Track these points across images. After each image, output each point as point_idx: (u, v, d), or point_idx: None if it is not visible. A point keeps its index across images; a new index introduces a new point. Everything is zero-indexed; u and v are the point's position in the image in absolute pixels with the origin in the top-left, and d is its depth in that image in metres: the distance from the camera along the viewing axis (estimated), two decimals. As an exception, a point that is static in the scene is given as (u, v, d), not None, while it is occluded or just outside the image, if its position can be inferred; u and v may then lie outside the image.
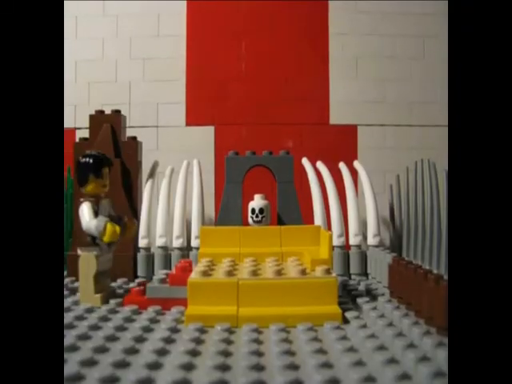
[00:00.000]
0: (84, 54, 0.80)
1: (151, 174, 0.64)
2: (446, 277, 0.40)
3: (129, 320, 0.40)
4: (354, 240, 0.59)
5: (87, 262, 0.46)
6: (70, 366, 0.29)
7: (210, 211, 0.76)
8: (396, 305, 0.42)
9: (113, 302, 0.45)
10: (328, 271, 0.42)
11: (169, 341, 0.34)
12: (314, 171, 0.64)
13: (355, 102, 0.80)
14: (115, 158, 0.61)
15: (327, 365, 0.29)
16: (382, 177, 0.72)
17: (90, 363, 0.30)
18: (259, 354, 0.32)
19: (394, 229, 0.60)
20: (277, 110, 0.79)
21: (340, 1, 0.80)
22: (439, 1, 0.77)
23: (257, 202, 0.54)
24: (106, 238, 0.44)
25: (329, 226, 0.59)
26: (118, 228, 0.44)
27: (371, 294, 0.48)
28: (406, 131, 0.80)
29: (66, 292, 0.49)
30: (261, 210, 0.53)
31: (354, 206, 0.61)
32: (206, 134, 0.79)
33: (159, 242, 0.59)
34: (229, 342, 0.34)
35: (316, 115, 0.80)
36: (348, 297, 0.48)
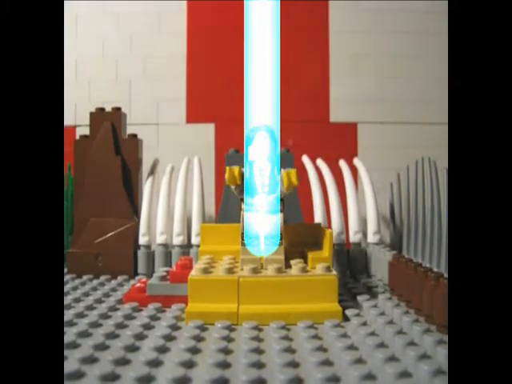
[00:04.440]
0: (84, 52, 0.80)
1: (151, 172, 0.64)
2: (446, 275, 0.40)
3: (129, 317, 0.40)
4: (354, 238, 0.59)
5: None
6: (71, 363, 0.29)
7: (211, 209, 0.76)
8: (396, 302, 0.42)
9: (113, 299, 0.45)
10: (328, 269, 0.42)
11: (169, 338, 0.34)
12: (314, 169, 0.64)
13: (355, 100, 0.80)
14: (116, 156, 0.61)
15: (327, 362, 0.29)
16: (382, 174, 0.72)
17: (91, 360, 0.30)
18: (259, 351, 0.32)
19: (394, 227, 0.60)
20: (277, 107, 0.79)
21: (340, 0, 0.80)
22: (439, 0, 0.77)
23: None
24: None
25: (329, 224, 0.59)
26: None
27: (371, 292, 0.48)
28: (407, 129, 0.80)
29: (66, 289, 0.49)
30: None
31: (354, 203, 0.61)
32: (206, 132, 0.79)
33: (159, 239, 0.59)
34: (229, 339, 0.34)
35: (316, 113, 0.80)
36: (348, 294, 0.48)
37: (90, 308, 0.42)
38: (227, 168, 0.44)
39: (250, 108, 0.45)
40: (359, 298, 0.44)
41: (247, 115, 0.44)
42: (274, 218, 0.43)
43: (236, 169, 0.44)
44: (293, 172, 0.43)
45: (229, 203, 0.57)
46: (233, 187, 0.45)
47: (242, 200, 0.44)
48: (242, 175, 0.44)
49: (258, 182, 0.44)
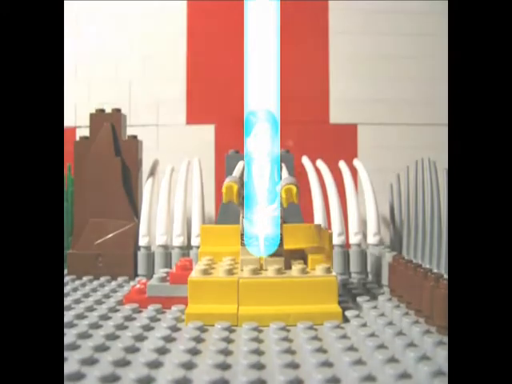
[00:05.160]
0: (84, 53, 0.80)
1: (151, 173, 0.64)
2: (446, 276, 0.40)
3: (129, 318, 0.40)
4: (354, 239, 0.59)
5: None
6: (71, 364, 0.29)
7: (211, 210, 0.76)
8: (396, 304, 0.42)
9: (113, 300, 0.45)
10: (328, 270, 0.42)
11: (169, 339, 0.34)
12: (314, 170, 0.64)
13: (355, 101, 0.80)
14: (115, 157, 0.61)
15: (327, 364, 0.29)
16: (382, 175, 0.72)
17: (91, 362, 0.30)
18: (259, 352, 0.32)
19: (394, 228, 0.60)
20: (277, 108, 0.79)
21: (340, 0, 0.80)
22: (440, 0, 0.77)
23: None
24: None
25: (329, 225, 0.59)
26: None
27: (371, 293, 0.48)
28: (406, 130, 0.80)
29: (66, 290, 0.49)
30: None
31: (354, 204, 0.61)
32: (206, 133, 0.79)
33: (160, 240, 0.59)
34: (229, 340, 0.34)
35: (316, 114, 0.80)
36: (348, 295, 0.48)
37: (90, 309, 0.42)
38: (224, 185, 0.41)
39: (251, 109, 0.44)
40: (359, 299, 0.44)
41: (247, 116, 0.44)
42: (274, 219, 0.43)
43: (234, 186, 0.41)
44: (294, 190, 0.41)
45: (228, 204, 0.56)
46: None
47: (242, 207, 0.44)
48: (239, 193, 0.42)
49: (258, 186, 0.43)
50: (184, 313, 0.39)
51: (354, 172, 0.65)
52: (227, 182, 0.42)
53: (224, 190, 0.42)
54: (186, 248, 0.59)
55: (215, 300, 0.40)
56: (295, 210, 0.57)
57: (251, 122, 0.43)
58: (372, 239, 0.59)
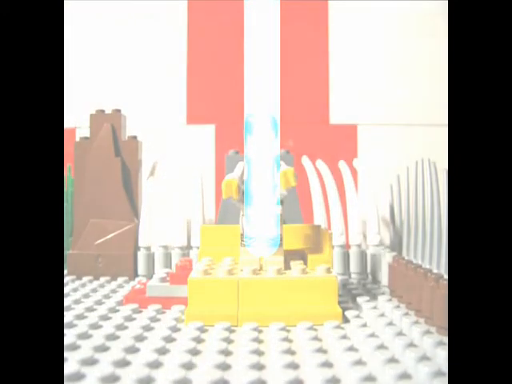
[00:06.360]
0: (85, 53, 0.80)
1: (151, 173, 0.64)
2: (445, 276, 0.40)
3: (129, 319, 0.40)
4: (354, 239, 0.59)
5: None
6: (71, 364, 0.29)
7: (211, 210, 0.76)
8: (396, 304, 0.42)
9: (113, 300, 0.45)
10: (328, 270, 0.42)
11: (169, 340, 0.34)
12: (315, 170, 0.64)
13: (355, 102, 0.80)
14: (115, 157, 0.61)
15: (327, 364, 0.29)
16: (382, 176, 0.72)
17: (91, 362, 0.30)
18: (259, 352, 0.32)
19: (394, 228, 0.60)
20: (277, 108, 0.79)
21: (340, 0, 0.80)
22: (440, 0, 0.77)
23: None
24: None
25: (329, 225, 0.59)
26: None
27: (371, 293, 0.48)
28: (406, 130, 0.80)
29: (66, 291, 0.49)
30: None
31: (354, 204, 0.61)
32: (206, 133, 0.79)
33: (160, 240, 0.59)
34: (229, 340, 0.34)
35: (316, 114, 0.80)
36: (348, 296, 0.48)
37: (90, 309, 0.42)
38: (224, 182, 0.42)
39: (250, 110, 0.44)
40: (359, 299, 0.44)
41: (247, 118, 0.44)
42: (274, 219, 0.43)
43: (234, 182, 0.42)
44: (289, 172, 0.42)
45: (228, 204, 0.56)
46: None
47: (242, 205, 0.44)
48: (239, 189, 0.42)
49: (258, 187, 0.43)
50: (184, 313, 0.40)
51: (353, 172, 0.65)
52: (227, 178, 0.42)
53: (223, 185, 0.42)
54: (186, 248, 0.59)
55: (215, 300, 0.39)
56: (295, 210, 0.57)
57: (251, 122, 0.43)
58: (372, 239, 0.59)
